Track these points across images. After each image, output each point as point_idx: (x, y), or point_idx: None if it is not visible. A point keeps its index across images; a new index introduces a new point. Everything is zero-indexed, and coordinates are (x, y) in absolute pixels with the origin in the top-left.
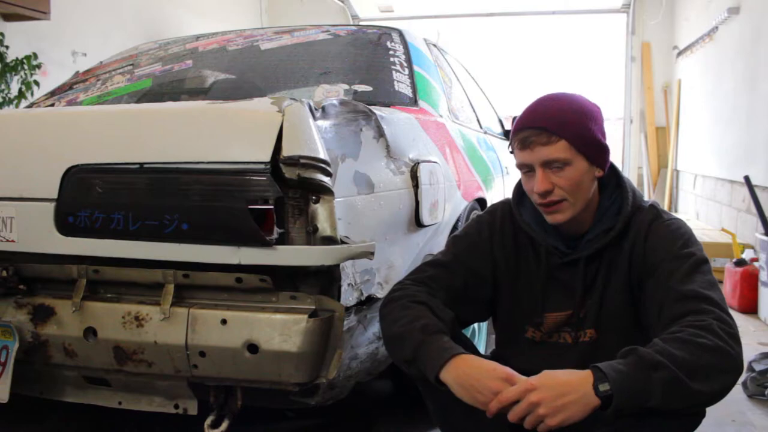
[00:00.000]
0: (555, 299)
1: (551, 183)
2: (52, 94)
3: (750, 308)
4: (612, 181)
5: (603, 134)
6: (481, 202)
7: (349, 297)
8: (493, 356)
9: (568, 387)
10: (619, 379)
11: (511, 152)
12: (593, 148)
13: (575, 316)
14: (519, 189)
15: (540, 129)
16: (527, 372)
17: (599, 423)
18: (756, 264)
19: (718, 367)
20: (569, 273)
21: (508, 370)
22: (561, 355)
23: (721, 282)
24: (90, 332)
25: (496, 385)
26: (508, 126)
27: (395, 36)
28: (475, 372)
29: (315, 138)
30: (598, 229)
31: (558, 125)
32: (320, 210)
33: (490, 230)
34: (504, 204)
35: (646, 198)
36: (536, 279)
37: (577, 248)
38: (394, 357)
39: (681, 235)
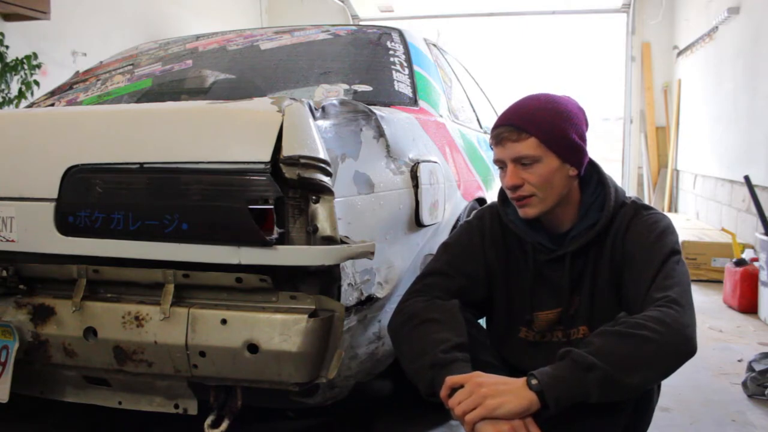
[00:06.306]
0: (543, 297)
1: (521, 178)
2: (52, 94)
3: (750, 308)
4: (594, 178)
5: (579, 135)
6: (481, 201)
7: (349, 297)
8: None
9: (508, 381)
10: (551, 381)
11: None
12: (564, 146)
13: (565, 313)
14: (503, 190)
15: (512, 126)
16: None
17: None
18: (756, 264)
19: (656, 356)
20: (556, 270)
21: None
22: (555, 353)
23: (721, 282)
24: (90, 332)
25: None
26: None
27: (395, 36)
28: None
29: (315, 138)
30: (582, 226)
31: (528, 123)
32: (320, 210)
33: (481, 234)
34: (491, 208)
35: (646, 198)
36: (525, 278)
37: (562, 245)
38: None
39: (656, 228)
